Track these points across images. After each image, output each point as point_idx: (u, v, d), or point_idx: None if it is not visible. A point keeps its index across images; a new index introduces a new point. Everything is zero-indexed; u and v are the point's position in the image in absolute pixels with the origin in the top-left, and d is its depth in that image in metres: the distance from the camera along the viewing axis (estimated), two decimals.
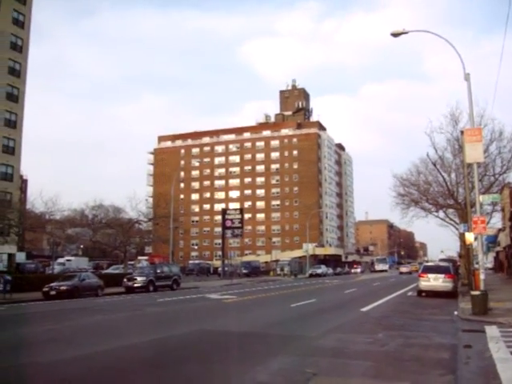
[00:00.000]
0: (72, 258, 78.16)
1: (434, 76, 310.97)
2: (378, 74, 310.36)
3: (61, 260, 72.86)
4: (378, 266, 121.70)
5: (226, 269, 72.92)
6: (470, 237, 30.64)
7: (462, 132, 30.13)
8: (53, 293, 31.56)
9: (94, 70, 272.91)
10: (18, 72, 60.33)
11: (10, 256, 57.28)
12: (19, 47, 60.83)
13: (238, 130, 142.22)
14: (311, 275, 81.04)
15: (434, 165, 41.70)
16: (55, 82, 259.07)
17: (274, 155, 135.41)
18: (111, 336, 15.17)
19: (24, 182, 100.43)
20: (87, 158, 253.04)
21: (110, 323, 18.93)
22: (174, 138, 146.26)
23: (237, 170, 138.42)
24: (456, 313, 20.96)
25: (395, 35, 23.44)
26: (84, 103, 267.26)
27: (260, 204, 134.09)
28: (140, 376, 9.57)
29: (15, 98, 59.84)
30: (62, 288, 32.02)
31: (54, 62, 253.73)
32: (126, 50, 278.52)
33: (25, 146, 68.87)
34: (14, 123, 59.42)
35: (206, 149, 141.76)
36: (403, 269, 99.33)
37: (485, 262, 26.71)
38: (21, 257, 67.67)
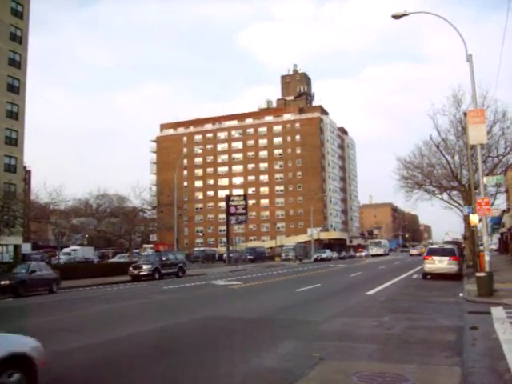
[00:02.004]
0: (78, 248, 78.46)
1: (437, 58, 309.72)
2: (380, 57, 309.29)
3: (66, 250, 73.18)
4: (373, 250, 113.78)
5: (231, 255, 73.08)
6: (474, 219, 30.52)
7: (464, 114, 30.01)
8: None
9: (95, 59, 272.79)
10: (18, 63, 60.18)
11: (16, 247, 57.51)
12: (19, 38, 60.65)
13: (241, 116, 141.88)
14: (316, 260, 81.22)
15: (438, 147, 41.61)
16: (56, 72, 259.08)
17: (277, 140, 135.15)
18: (120, 324, 15.25)
19: (28, 173, 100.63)
20: (90, 147, 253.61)
21: (118, 312, 19.02)
22: (176, 125, 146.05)
23: (240, 156, 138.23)
24: (461, 295, 21.01)
25: (396, 17, 23.28)
26: (85, 92, 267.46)
27: (264, 190, 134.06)
28: (150, 362, 9.63)
29: (16, 89, 59.74)
30: (1, 283, 26.08)
31: (55, 52, 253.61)
32: (127, 38, 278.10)
33: (27, 137, 68.79)
34: (15, 114, 59.38)
35: (209, 135, 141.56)
36: (413, 251, 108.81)
37: (489, 243, 26.69)
38: (26, 248, 67.93)
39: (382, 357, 9.71)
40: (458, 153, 41.27)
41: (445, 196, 46.24)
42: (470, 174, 32.79)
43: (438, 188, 45.17)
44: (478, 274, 20.54)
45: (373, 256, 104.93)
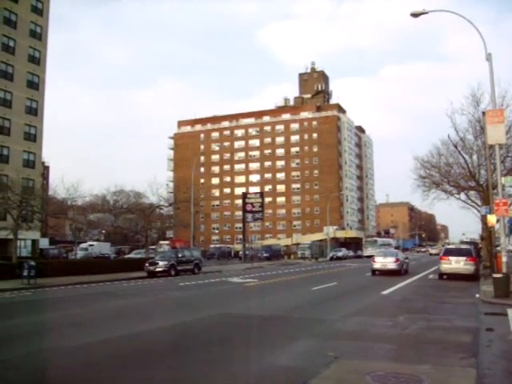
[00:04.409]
0: (94, 243, 78.80)
1: (456, 57, 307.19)
2: (398, 56, 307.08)
3: (83, 245, 73.53)
4: (367, 251, 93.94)
5: (247, 252, 73.17)
6: (491, 219, 30.29)
7: (483, 113, 29.74)
8: None
9: (114, 56, 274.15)
10: (37, 60, 60.70)
11: (34, 242, 58.06)
12: (38, 35, 61.15)
13: (258, 114, 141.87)
14: (332, 258, 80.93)
15: (456, 146, 41.27)
16: (76, 69, 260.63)
17: (294, 138, 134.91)
18: (135, 320, 15.34)
19: (46, 169, 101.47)
20: (108, 143, 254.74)
21: (133, 307, 19.13)
22: (193, 122, 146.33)
23: (257, 153, 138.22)
24: (478, 296, 20.89)
25: (415, 15, 23.20)
26: (104, 89, 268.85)
27: (280, 187, 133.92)
28: (164, 358, 9.70)
29: (36, 85, 60.25)
30: None
31: (74, 49, 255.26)
32: (145, 36, 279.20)
33: (46, 132, 69.42)
34: (35, 110, 59.89)
35: (226, 133, 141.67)
36: (432, 250, 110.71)
37: (507, 244, 26.47)
38: (44, 242, 68.46)
39: (397, 357, 9.69)
40: (476, 152, 40.89)
41: (462, 196, 45.89)
42: (488, 174, 32.53)
43: (456, 188, 44.81)
44: (495, 275, 20.41)
45: (368, 257, 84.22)
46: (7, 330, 13.50)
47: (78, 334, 12.89)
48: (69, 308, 18.92)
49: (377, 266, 36.04)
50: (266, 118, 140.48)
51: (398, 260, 35.52)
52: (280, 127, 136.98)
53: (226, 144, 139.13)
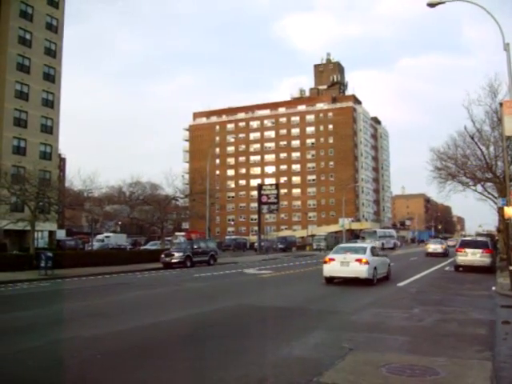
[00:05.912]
0: (111, 235, 79.29)
1: (473, 48, 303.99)
2: (415, 47, 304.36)
3: (100, 236, 74.02)
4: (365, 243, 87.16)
5: (263, 244, 73.15)
6: (508, 211, 30.06)
7: (500, 104, 29.43)
8: None
9: (129, 48, 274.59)
10: (53, 52, 60.95)
11: (51, 233, 58.54)
12: (54, 27, 61.37)
13: (273, 105, 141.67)
14: None
15: (472, 138, 40.88)
16: (92, 61, 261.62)
17: (310, 130, 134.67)
18: (151, 311, 15.44)
19: (62, 161, 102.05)
20: (124, 135, 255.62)
21: (149, 298, 19.25)
22: (208, 114, 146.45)
23: (272, 145, 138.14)
24: (494, 288, 20.78)
25: (432, 5, 22.99)
26: (119, 81, 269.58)
27: (296, 179, 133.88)
28: (179, 349, 9.78)
29: (52, 78, 60.55)
30: None
31: (90, 42, 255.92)
32: (161, 27, 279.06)
33: (62, 124, 69.74)
34: (51, 103, 60.22)
35: (241, 124, 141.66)
36: (450, 242, 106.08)
37: None
38: (61, 234, 68.96)
39: (412, 349, 9.69)
40: (493, 144, 40.48)
41: (479, 188, 45.49)
42: (506, 165, 32.19)
43: (472, 179, 44.42)
44: None
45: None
46: (26, 321, 13.65)
47: (96, 324, 13.00)
48: (86, 299, 19.09)
49: (430, 250, 53.39)
50: (282, 110, 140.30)
51: (444, 247, 55.26)
52: (295, 118, 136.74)
53: (242, 135, 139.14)
